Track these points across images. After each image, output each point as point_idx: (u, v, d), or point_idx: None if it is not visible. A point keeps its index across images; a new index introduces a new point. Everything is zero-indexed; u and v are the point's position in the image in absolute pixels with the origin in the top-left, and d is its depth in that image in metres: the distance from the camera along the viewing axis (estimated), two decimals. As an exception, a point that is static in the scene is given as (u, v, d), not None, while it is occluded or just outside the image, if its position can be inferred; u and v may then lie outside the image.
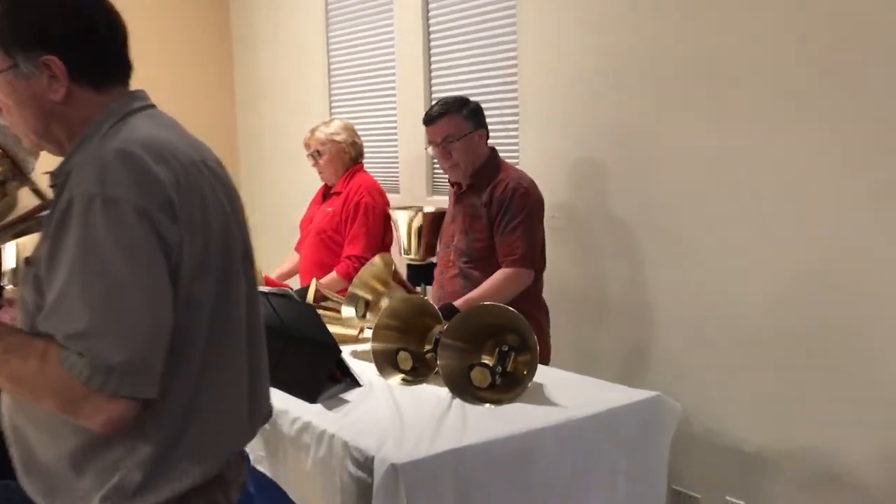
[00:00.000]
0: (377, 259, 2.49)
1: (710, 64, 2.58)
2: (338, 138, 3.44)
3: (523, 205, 2.67)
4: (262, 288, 2.27)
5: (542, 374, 2.21)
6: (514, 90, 3.28)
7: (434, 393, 2.04)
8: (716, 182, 2.60)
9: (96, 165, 1.18)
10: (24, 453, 1.31)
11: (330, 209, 3.43)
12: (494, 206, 2.69)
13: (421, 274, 2.94)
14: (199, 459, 1.26)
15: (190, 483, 1.23)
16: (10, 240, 1.32)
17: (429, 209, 2.93)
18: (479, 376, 2.03)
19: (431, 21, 3.66)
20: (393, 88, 3.92)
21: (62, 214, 1.16)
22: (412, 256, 2.90)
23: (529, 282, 2.66)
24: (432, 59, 3.68)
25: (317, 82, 4.45)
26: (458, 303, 2.56)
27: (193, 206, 1.23)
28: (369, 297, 2.43)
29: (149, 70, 5.08)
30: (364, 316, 2.38)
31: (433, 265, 2.93)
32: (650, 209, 2.81)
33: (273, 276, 3.64)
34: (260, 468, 2.02)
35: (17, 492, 1.36)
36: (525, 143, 3.24)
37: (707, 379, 2.68)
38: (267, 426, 1.99)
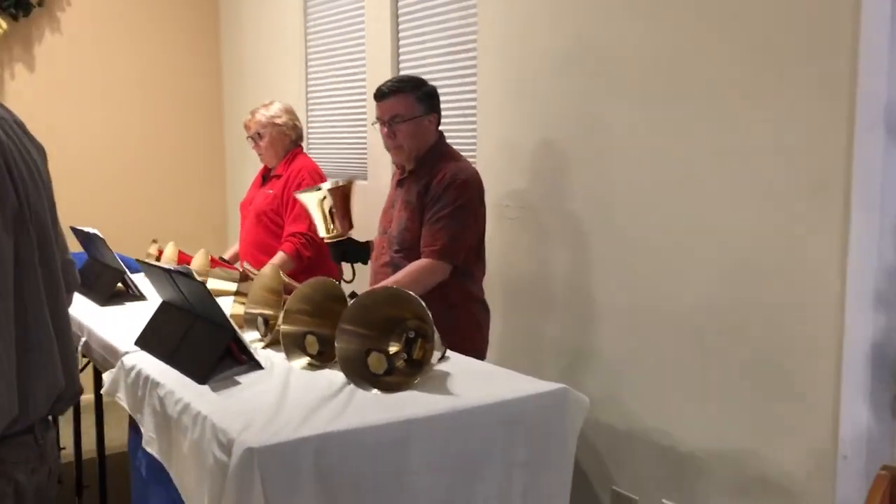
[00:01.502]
0: (265, 270, 2.41)
1: (662, 59, 2.47)
2: (278, 121, 3.42)
3: (456, 196, 2.58)
4: (166, 265, 2.22)
5: (457, 363, 2.13)
6: (474, 76, 3.19)
7: (330, 378, 1.97)
8: (663, 176, 2.49)
9: None
10: None
11: (271, 191, 3.40)
12: (430, 195, 2.60)
13: (343, 251, 2.85)
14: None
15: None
16: None
17: (329, 185, 2.84)
18: (374, 362, 1.95)
19: (400, 3, 3.58)
20: (363, 73, 3.85)
21: None
22: (332, 234, 2.81)
23: (444, 276, 2.57)
24: (400, 41, 3.60)
25: (294, 64, 4.40)
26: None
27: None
28: (268, 311, 2.35)
29: (139, 47, 5.07)
30: (266, 335, 2.30)
31: (352, 239, 2.85)
32: (600, 201, 2.71)
33: (227, 256, 3.61)
34: (150, 450, 1.98)
35: None
36: (482, 131, 3.15)
37: (646, 378, 2.58)
38: (157, 406, 1.96)
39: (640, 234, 2.57)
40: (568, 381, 2.00)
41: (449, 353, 2.20)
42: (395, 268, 2.64)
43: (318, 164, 4.15)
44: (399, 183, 2.77)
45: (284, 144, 3.46)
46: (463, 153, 2.90)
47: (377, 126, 2.77)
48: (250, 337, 2.29)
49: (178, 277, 2.11)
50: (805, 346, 2.15)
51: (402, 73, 3.58)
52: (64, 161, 4.69)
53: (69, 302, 1.49)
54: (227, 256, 3.67)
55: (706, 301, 2.38)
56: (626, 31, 2.57)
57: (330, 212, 2.76)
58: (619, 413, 2.66)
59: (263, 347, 2.25)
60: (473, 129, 3.19)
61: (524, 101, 2.96)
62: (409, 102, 2.66)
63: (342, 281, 2.92)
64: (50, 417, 1.40)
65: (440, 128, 2.78)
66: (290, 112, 3.50)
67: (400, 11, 3.58)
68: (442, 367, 2.09)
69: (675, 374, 2.48)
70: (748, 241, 2.27)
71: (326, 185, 2.86)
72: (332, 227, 2.79)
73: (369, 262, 2.87)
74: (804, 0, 2.11)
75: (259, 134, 3.44)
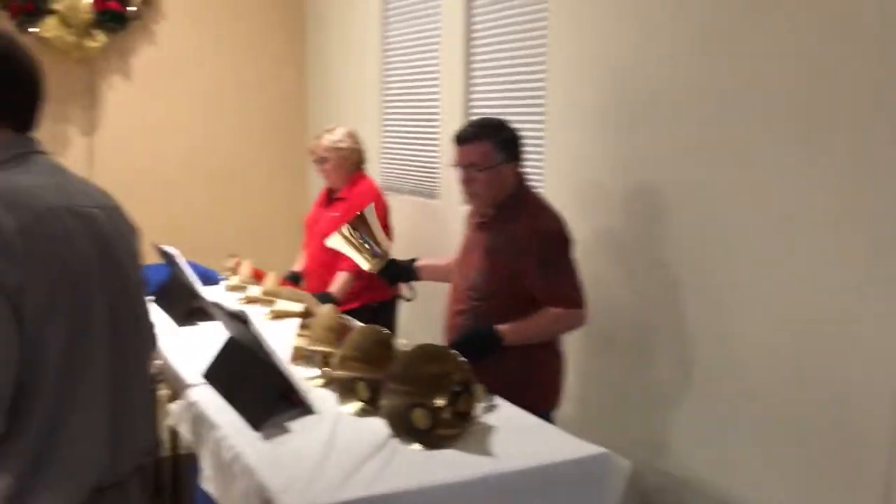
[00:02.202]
0: (324, 309, 2.48)
1: (730, 104, 2.41)
2: (342, 146, 3.56)
3: (557, 245, 2.52)
4: (226, 305, 2.32)
5: (505, 415, 2.16)
6: (542, 107, 3.18)
7: (377, 429, 2.03)
8: (730, 219, 2.44)
9: None
10: None
11: (335, 214, 3.50)
12: (519, 246, 2.50)
13: (392, 274, 2.90)
14: (58, 492, 1.34)
15: None
16: None
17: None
18: (419, 418, 2.00)
19: (473, 36, 3.60)
20: (437, 92, 3.89)
21: None
22: (373, 264, 2.85)
23: (582, 323, 2.54)
24: (472, 68, 3.62)
25: (371, 80, 4.47)
26: (502, 328, 2.48)
27: (40, 252, 1.30)
28: (327, 349, 2.42)
29: (228, 59, 5.25)
30: (323, 374, 2.37)
31: (394, 261, 2.88)
32: (662, 242, 2.68)
33: (296, 267, 3.75)
34: (208, 489, 2.09)
35: None
36: (549, 167, 3.15)
37: (703, 434, 2.54)
38: (213, 448, 2.07)
39: (705, 279, 2.53)
40: (645, 433, 1.98)
41: (498, 401, 2.23)
42: (475, 316, 2.57)
43: (391, 180, 4.25)
44: (478, 227, 2.68)
45: (347, 168, 3.60)
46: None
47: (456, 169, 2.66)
48: (309, 373, 2.39)
49: (237, 323, 2.20)
50: (871, 420, 2.09)
51: (473, 91, 3.60)
52: (156, 165, 4.93)
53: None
54: (296, 268, 3.80)
55: (767, 357, 2.33)
56: (701, 71, 2.52)
57: (362, 243, 2.80)
58: (678, 463, 2.64)
59: (318, 386, 2.33)
60: (541, 166, 3.19)
61: (591, 141, 2.94)
62: (486, 150, 2.54)
63: (406, 300, 3.02)
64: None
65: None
66: (352, 137, 3.63)
67: (472, 42, 3.59)
68: (489, 418, 2.13)
69: (755, 439, 2.44)
70: (841, 305, 2.19)
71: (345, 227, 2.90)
72: (369, 257, 2.84)
73: (446, 306, 2.78)
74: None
75: (324, 158, 3.59)
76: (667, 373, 2.69)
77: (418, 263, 2.92)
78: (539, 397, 2.56)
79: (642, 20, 2.70)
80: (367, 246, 2.84)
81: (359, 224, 2.83)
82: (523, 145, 2.63)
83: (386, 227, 3.52)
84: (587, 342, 2.95)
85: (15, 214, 1.27)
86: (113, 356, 1.43)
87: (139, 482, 1.56)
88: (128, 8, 4.66)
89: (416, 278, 2.94)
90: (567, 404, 2.73)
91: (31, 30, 4.42)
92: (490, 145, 2.55)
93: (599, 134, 2.91)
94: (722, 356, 2.49)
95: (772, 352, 2.33)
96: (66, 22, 4.46)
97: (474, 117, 3.60)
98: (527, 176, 2.70)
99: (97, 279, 1.39)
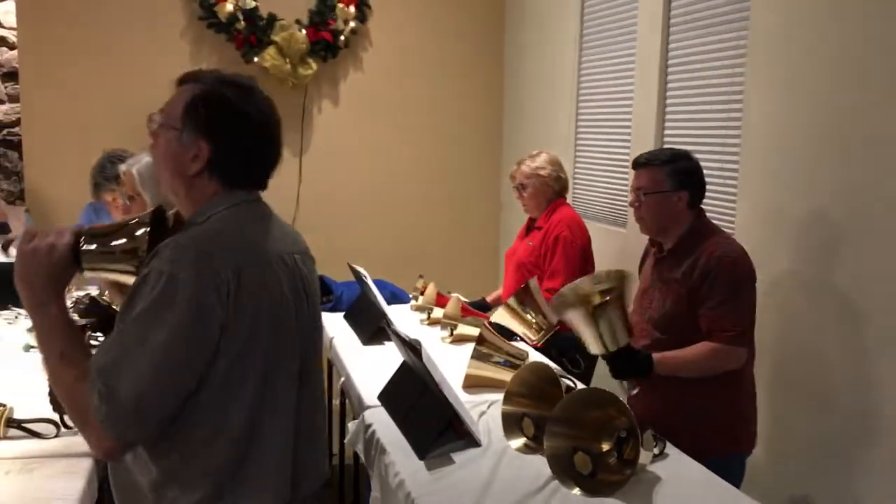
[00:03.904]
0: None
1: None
2: (542, 172, 3.47)
3: (731, 276, 2.42)
4: (402, 332, 2.40)
5: (674, 465, 2.08)
6: (737, 144, 3.03)
7: (539, 467, 2.02)
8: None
9: (174, 249, 1.42)
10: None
11: (531, 243, 3.48)
12: (697, 275, 2.45)
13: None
14: None
15: None
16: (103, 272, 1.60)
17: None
18: (580, 462, 1.97)
19: (669, 62, 3.49)
20: (629, 122, 3.81)
21: (141, 280, 1.41)
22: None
23: (739, 363, 2.44)
24: (667, 96, 3.51)
25: (566, 105, 4.46)
26: (657, 355, 2.43)
27: (247, 295, 1.43)
28: (500, 378, 2.45)
29: (429, 83, 5.54)
30: None
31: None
32: (859, 283, 2.46)
33: (489, 298, 3.79)
34: (376, 509, 2.18)
35: None
36: (742, 198, 2.99)
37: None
38: (382, 472, 2.15)
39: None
40: (837, 482, 1.83)
41: (670, 449, 2.15)
42: (659, 349, 2.50)
43: (582, 207, 4.18)
44: (657, 262, 2.65)
45: (547, 196, 3.52)
46: (719, 220, 2.79)
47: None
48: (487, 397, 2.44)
49: (410, 350, 2.28)
50: None
51: (668, 118, 3.49)
52: (356, 185, 5.21)
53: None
54: (489, 298, 3.84)
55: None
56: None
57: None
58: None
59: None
60: (734, 198, 3.03)
61: (789, 171, 2.76)
62: (656, 177, 2.55)
63: (575, 371, 2.91)
64: None
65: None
66: (555, 163, 3.55)
67: (668, 63, 3.49)
68: (658, 467, 2.05)
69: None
70: None
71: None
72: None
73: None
74: None
75: (523, 185, 3.54)
76: (857, 421, 2.47)
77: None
78: (728, 440, 2.49)
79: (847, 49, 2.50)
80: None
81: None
82: (701, 179, 2.59)
83: (586, 257, 3.48)
84: (774, 384, 2.78)
85: (230, 259, 1.43)
86: (300, 394, 1.56)
87: None
88: (339, 38, 4.96)
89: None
90: (759, 447, 2.60)
91: (254, 60, 4.82)
92: (661, 172, 2.55)
93: (798, 164, 2.72)
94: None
95: None
96: (283, 52, 4.82)
97: (667, 146, 3.51)
98: (704, 212, 2.62)
99: (292, 320, 1.53)
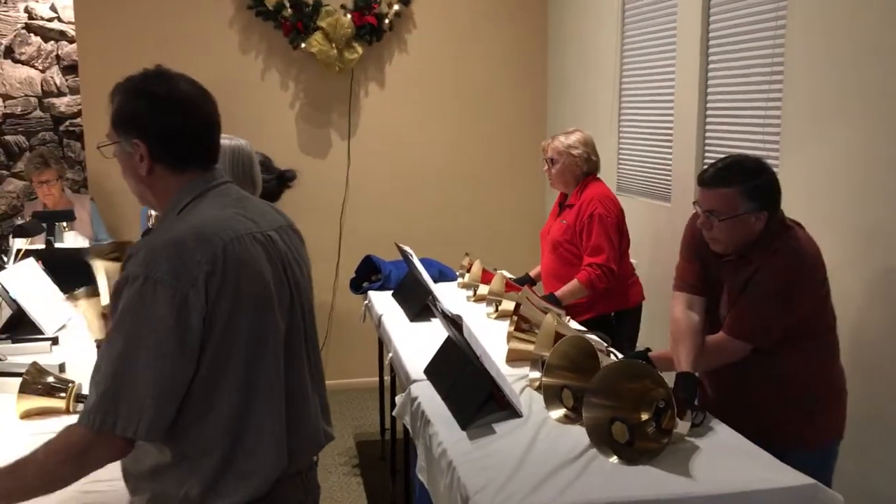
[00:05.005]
0: (548, 318, 2.51)
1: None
2: (574, 151, 3.49)
3: (772, 279, 2.24)
4: (445, 307, 2.47)
5: (714, 436, 2.12)
6: (778, 116, 3.02)
7: (577, 438, 2.08)
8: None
9: (148, 251, 1.48)
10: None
11: (564, 221, 3.51)
12: (760, 272, 2.28)
13: None
14: (246, 480, 1.54)
15: (239, 499, 1.53)
16: None
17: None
18: (618, 431, 2.03)
19: (710, 36, 3.47)
20: (672, 94, 3.81)
21: (119, 286, 1.48)
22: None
23: (737, 357, 2.31)
24: (709, 69, 3.50)
25: (609, 82, 4.46)
26: (652, 354, 2.48)
27: (226, 277, 1.49)
28: (542, 353, 2.46)
29: (473, 63, 5.59)
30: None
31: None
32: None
33: (532, 273, 3.85)
34: (421, 478, 2.27)
35: None
36: (784, 170, 2.98)
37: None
38: (427, 442, 2.24)
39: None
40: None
41: (715, 423, 2.18)
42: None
43: (627, 182, 4.18)
44: (721, 264, 2.41)
45: (575, 174, 3.52)
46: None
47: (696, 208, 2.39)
48: (531, 374, 2.49)
49: (452, 325, 2.36)
50: None
51: (710, 93, 3.47)
52: (407, 166, 5.29)
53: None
54: (532, 273, 3.90)
55: None
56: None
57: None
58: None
59: (535, 388, 2.42)
60: (775, 165, 3.03)
61: (827, 176, 2.75)
62: (732, 199, 2.25)
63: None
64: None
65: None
66: (587, 144, 3.55)
67: (710, 37, 3.48)
68: (695, 438, 2.10)
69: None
70: None
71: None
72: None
73: None
74: None
75: (552, 160, 3.55)
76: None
77: (652, 355, 2.53)
78: (811, 433, 2.36)
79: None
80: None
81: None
82: (779, 190, 2.31)
83: (622, 231, 3.50)
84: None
85: (205, 249, 1.48)
86: (288, 366, 1.61)
87: (314, 473, 1.77)
88: (384, 21, 5.03)
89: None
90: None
91: (301, 46, 4.92)
92: (737, 192, 2.25)
93: (841, 136, 2.71)
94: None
95: None
96: (329, 37, 4.91)
97: (708, 120, 3.50)
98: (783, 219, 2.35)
99: (273, 295, 1.58)
